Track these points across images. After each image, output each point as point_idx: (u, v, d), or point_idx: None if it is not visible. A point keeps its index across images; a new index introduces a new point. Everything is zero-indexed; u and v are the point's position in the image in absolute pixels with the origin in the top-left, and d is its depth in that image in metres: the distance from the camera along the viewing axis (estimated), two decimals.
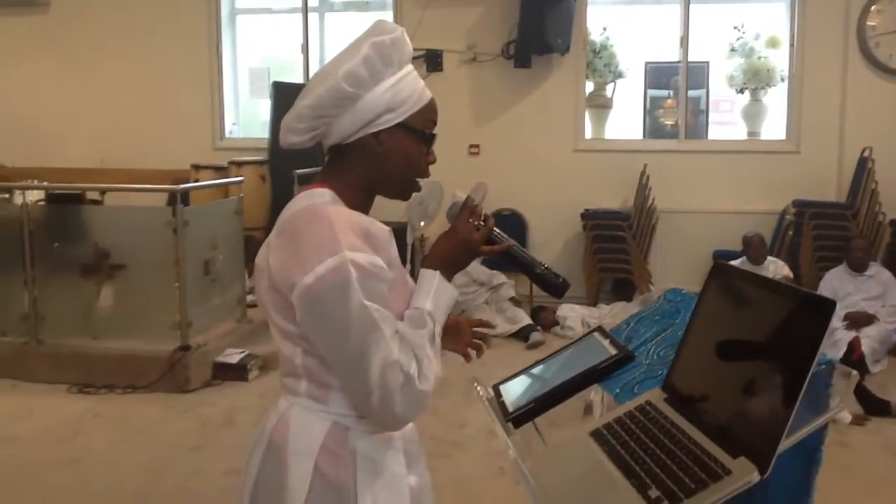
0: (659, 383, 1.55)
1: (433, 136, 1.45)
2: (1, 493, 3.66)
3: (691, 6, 6.95)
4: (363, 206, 1.44)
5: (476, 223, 1.45)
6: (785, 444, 1.20)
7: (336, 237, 1.29)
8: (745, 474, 1.18)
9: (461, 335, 1.68)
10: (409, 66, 1.44)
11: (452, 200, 6.51)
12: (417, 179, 1.48)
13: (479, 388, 1.90)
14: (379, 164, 1.42)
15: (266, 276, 1.38)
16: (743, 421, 1.27)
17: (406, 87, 1.41)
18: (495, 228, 1.48)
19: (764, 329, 1.33)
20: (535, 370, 1.85)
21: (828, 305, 1.19)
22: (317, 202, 1.38)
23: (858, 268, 5.74)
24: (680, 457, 1.29)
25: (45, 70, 7.89)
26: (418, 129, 1.43)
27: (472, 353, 1.70)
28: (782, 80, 6.93)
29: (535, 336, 5.97)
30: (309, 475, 1.35)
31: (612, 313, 6.22)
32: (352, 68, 1.36)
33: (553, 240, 6.99)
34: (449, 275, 1.43)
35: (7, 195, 6.07)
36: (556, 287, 1.53)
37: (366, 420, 1.38)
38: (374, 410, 1.30)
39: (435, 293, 1.39)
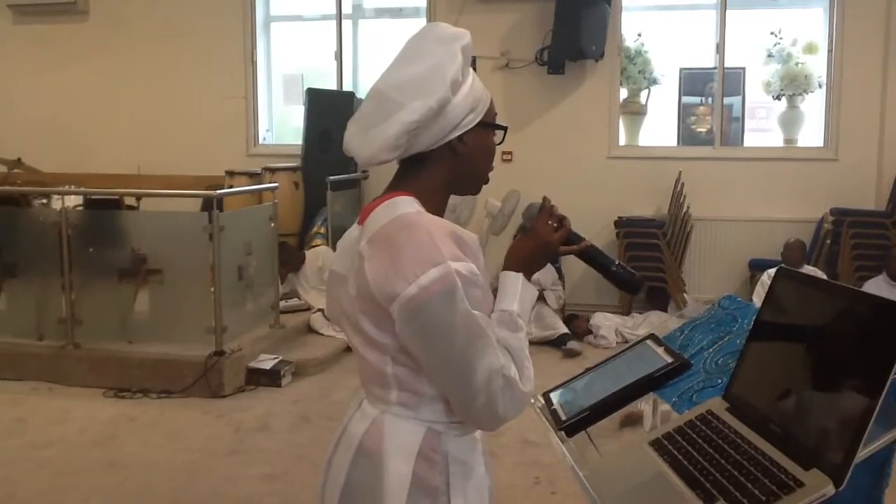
0: (719, 392, 1.51)
1: (505, 127, 1.49)
2: (42, 494, 3.69)
3: (727, 12, 6.88)
4: (441, 208, 1.45)
5: (554, 224, 1.47)
6: (858, 456, 1.16)
7: (437, 247, 1.29)
8: (819, 487, 1.14)
9: None
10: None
11: (486, 209, 6.51)
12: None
13: None
14: (463, 163, 1.43)
15: (353, 285, 1.38)
16: (814, 431, 1.23)
17: (478, 85, 1.43)
18: (572, 229, 1.49)
19: (836, 337, 1.29)
20: (587, 378, 1.82)
21: None
22: (409, 211, 1.37)
23: None
24: (747, 468, 1.25)
25: (83, 77, 8.00)
26: (493, 123, 1.46)
27: None
28: (820, 86, 6.84)
29: (573, 345, 5.91)
30: (408, 480, 1.36)
31: (647, 322, 6.16)
32: (455, 76, 1.36)
33: None
34: (529, 276, 1.45)
35: (46, 200, 6.16)
36: (632, 284, 1.54)
37: (456, 424, 1.40)
38: (476, 413, 1.33)
39: (520, 295, 1.41)
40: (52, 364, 5.21)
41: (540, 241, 1.46)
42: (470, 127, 1.41)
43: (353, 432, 1.44)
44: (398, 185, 1.43)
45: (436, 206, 1.42)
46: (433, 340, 1.30)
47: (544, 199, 1.50)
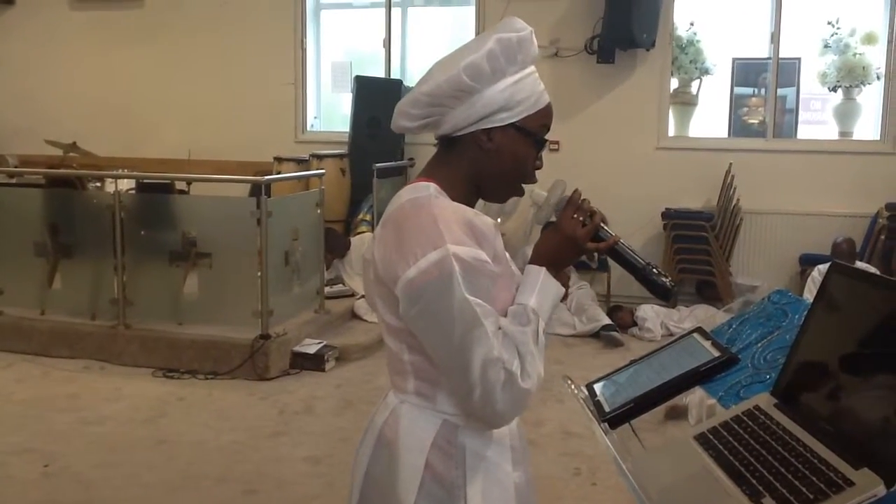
0: (767, 388, 1.48)
1: (545, 141, 1.43)
2: (93, 469, 3.79)
3: (784, 1, 6.73)
4: (467, 201, 1.42)
5: (582, 219, 1.42)
6: None
7: (439, 230, 1.28)
8: (869, 486, 1.11)
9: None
10: (532, 68, 1.42)
11: (531, 198, 6.47)
12: (522, 185, 1.45)
13: (572, 386, 1.86)
14: (486, 161, 1.40)
15: (372, 268, 1.38)
16: (866, 430, 1.21)
17: (525, 87, 1.39)
18: (602, 224, 1.44)
19: (890, 334, 1.26)
20: (632, 370, 1.81)
21: None
22: (421, 195, 1.36)
23: None
24: (795, 465, 1.23)
25: (137, 62, 8.14)
26: (530, 132, 1.40)
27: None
28: (878, 77, 6.67)
29: (614, 336, 5.86)
30: (420, 472, 1.35)
31: (694, 315, 6.08)
32: (474, 61, 1.35)
33: (632, 239, 6.80)
34: (555, 271, 1.40)
35: (99, 183, 6.29)
36: (661, 289, 1.46)
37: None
38: (475, 407, 1.29)
39: (539, 290, 1.37)
40: (104, 343, 5.34)
41: (563, 236, 1.41)
42: (500, 125, 1.38)
43: (376, 422, 1.44)
44: (428, 170, 1.44)
45: (458, 198, 1.39)
46: (431, 326, 1.28)
47: (574, 191, 1.45)
